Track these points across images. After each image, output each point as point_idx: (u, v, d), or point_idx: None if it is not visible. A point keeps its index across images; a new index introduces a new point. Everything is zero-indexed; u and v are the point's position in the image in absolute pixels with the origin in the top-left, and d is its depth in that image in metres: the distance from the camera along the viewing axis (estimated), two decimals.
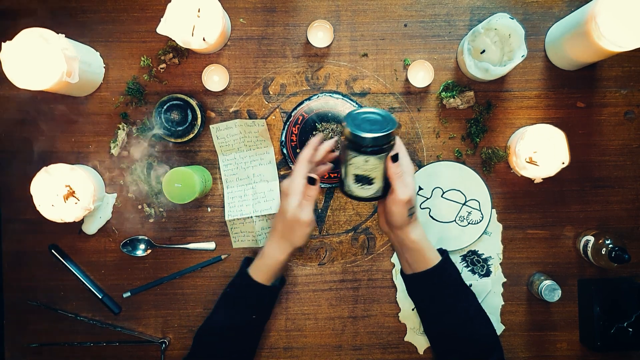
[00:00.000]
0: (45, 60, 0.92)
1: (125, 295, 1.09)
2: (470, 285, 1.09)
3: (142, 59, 1.08)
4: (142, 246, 1.09)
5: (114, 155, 1.08)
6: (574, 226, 1.10)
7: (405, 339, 1.11)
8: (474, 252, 1.10)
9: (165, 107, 1.05)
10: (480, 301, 1.09)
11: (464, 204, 1.09)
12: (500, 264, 1.10)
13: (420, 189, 1.10)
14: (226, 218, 1.09)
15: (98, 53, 1.07)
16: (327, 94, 1.08)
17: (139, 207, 1.09)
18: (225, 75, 1.08)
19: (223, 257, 1.10)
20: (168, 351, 1.10)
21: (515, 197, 1.10)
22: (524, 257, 1.10)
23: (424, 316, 0.98)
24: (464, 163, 1.09)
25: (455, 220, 1.10)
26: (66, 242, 1.09)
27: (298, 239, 0.93)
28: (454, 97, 1.07)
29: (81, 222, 1.08)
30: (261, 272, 0.96)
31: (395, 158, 0.88)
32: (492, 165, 1.09)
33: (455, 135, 1.09)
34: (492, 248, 1.10)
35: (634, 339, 1.03)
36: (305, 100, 1.08)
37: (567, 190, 1.10)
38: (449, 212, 1.10)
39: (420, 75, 1.08)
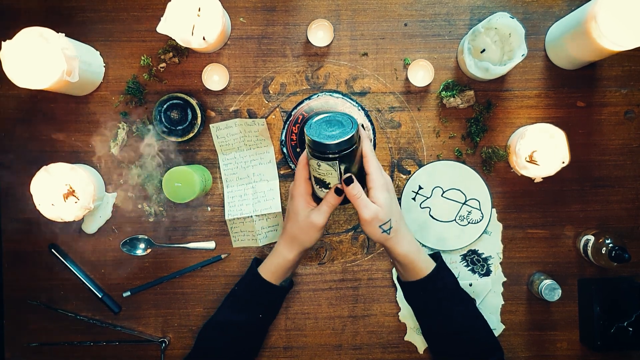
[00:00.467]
0: (45, 59, 0.92)
1: (125, 294, 1.09)
2: (470, 284, 1.09)
3: (142, 58, 1.08)
4: (142, 245, 1.09)
5: (114, 155, 1.08)
6: (574, 226, 1.10)
7: (405, 338, 1.11)
8: (474, 252, 1.10)
9: (165, 106, 1.05)
10: (480, 301, 1.09)
11: (464, 204, 1.09)
12: (500, 263, 1.10)
13: (420, 188, 1.10)
14: (226, 217, 1.09)
15: (98, 52, 1.07)
16: (327, 94, 1.08)
17: (139, 206, 1.09)
18: (225, 74, 1.08)
19: (223, 256, 1.10)
20: (168, 350, 1.10)
21: (516, 197, 1.10)
22: (524, 256, 1.10)
23: (421, 321, 0.98)
24: (464, 162, 1.09)
25: (455, 220, 1.10)
26: (66, 241, 1.09)
27: (309, 240, 0.93)
28: (454, 97, 1.07)
29: (81, 221, 1.08)
30: (270, 271, 0.97)
31: (348, 181, 0.86)
32: (492, 165, 1.09)
33: (455, 135, 1.09)
34: (492, 247, 1.10)
35: (634, 339, 1.03)
36: (305, 99, 1.08)
37: (567, 189, 1.10)
38: (449, 211, 1.10)
39: (421, 74, 1.08)
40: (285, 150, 1.08)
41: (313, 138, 0.82)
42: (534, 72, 1.09)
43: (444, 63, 1.08)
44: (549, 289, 1.04)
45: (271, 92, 1.09)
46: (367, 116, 1.07)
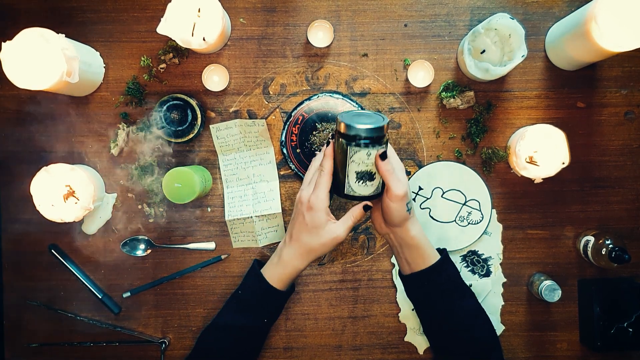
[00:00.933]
0: (45, 60, 0.92)
1: (125, 295, 1.09)
2: (471, 285, 1.09)
3: (142, 58, 1.08)
4: (142, 246, 1.09)
5: (114, 155, 1.08)
6: (574, 226, 1.10)
7: (405, 339, 1.11)
8: (474, 252, 1.10)
9: (165, 107, 1.05)
10: (480, 301, 1.09)
11: (464, 204, 1.09)
12: (500, 264, 1.10)
13: (420, 189, 1.10)
14: (226, 218, 1.09)
15: (98, 53, 1.07)
16: (327, 94, 1.08)
17: (139, 207, 1.09)
18: (225, 75, 1.08)
19: (223, 257, 1.10)
20: (168, 351, 1.10)
21: (516, 197, 1.10)
22: (524, 257, 1.10)
23: (423, 316, 0.98)
24: (464, 163, 1.09)
25: (455, 221, 1.10)
26: (66, 242, 1.09)
27: (326, 252, 0.93)
28: (454, 97, 1.07)
29: (81, 222, 1.08)
30: (280, 280, 0.96)
31: (383, 156, 0.87)
32: (492, 165, 1.09)
33: (455, 135, 1.09)
34: (492, 248, 1.10)
35: (634, 339, 1.03)
36: (306, 100, 1.08)
37: (567, 190, 1.10)
38: (449, 212, 1.10)
39: (421, 75, 1.08)
40: (285, 151, 1.08)
41: (367, 126, 0.86)
42: (534, 73, 1.09)
43: (444, 64, 1.08)
44: (549, 289, 1.04)
45: (271, 92, 1.09)
46: None
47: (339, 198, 1.10)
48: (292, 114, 1.08)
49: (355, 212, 0.91)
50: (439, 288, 0.94)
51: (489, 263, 1.10)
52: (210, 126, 1.08)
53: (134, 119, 1.08)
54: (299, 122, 1.07)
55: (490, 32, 1.02)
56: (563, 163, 0.98)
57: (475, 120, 1.08)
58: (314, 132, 1.07)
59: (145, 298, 1.10)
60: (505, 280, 1.10)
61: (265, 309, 0.98)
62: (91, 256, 1.09)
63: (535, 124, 1.01)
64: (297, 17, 1.08)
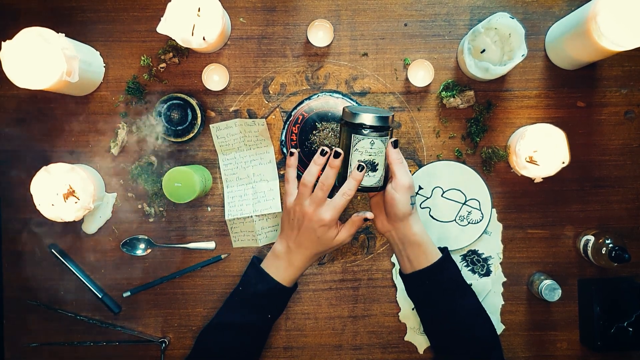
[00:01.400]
0: (45, 59, 0.92)
1: (125, 294, 1.09)
2: (471, 284, 1.09)
3: (142, 58, 1.08)
4: (142, 245, 1.09)
5: (114, 155, 1.08)
6: (574, 226, 1.10)
7: (405, 338, 1.11)
8: (474, 252, 1.10)
9: (165, 106, 1.05)
10: (480, 301, 1.09)
11: (464, 204, 1.09)
12: (500, 263, 1.10)
13: (420, 188, 1.10)
14: (226, 217, 1.09)
15: (98, 52, 1.07)
16: (327, 94, 1.08)
17: (139, 206, 1.09)
18: (225, 74, 1.08)
19: (223, 256, 1.10)
20: (168, 351, 1.10)
21: (516, 197, 1.10)
22: (524, 256, 1.10)
23: (423, 315, 0.98)
24: (464, 162, 1.09)
25: (455, 220, 1.10)
26: (66, 241, 1.09)
27: (330, 251, 1.01)
28: (454, 97, 1.07)
29: (81, 221, 1.08)
30: (291, 281, 0.98)
31: (395, 144, 0.91)
32: (492, 165, 1.09)
33: (455, 135, 1.09)
34: (492, 248, 1.10)
35: (634, 339, 1.03)
36: (305, 99, 1.08)
37: (567, 189, 1.10)
38: (449, 211, 1.10)
39: (421, 74, 1.08)
40: (285, 151, 1.08)
41: (371, 115, 0.90)
42: (534, 72, 1.09)
43: (444, 63, 1.08)
44: (549, 289, 1.04)
45: (271, 92, 1.09)
46: None
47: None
48: (292, 114, 1.08)
49: (355, 221, 0.96)
50: (441, 287, 0.94)
51: (489, 262, 1.10)
52: (210, 126, 1.08)
53: (134, 119, 1.08)
54: (299, 121, 1.07)
55: (490, 31, 1.02)
56: (563, 162, 0.98)
57: (475, 120, 1.08)
58: (314, 132, 1.07)
59: (145, 297, 1.10)
60: (505, 279, 1.10)
61: (273, 304, 0.98)
62: (91, 256, 1.09)
63: (535, 123, 1.01)
64: (297, 17, 1.08)
